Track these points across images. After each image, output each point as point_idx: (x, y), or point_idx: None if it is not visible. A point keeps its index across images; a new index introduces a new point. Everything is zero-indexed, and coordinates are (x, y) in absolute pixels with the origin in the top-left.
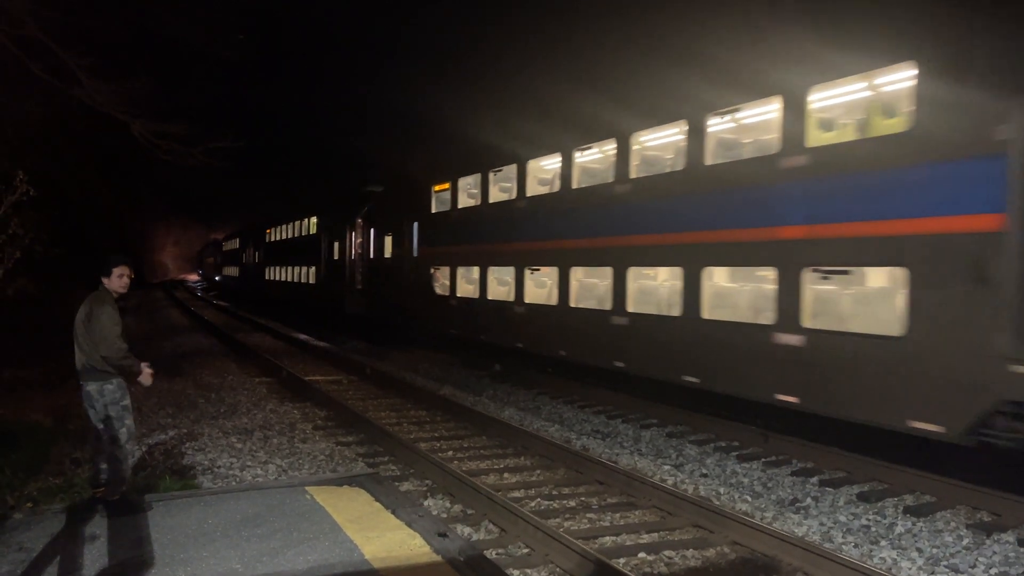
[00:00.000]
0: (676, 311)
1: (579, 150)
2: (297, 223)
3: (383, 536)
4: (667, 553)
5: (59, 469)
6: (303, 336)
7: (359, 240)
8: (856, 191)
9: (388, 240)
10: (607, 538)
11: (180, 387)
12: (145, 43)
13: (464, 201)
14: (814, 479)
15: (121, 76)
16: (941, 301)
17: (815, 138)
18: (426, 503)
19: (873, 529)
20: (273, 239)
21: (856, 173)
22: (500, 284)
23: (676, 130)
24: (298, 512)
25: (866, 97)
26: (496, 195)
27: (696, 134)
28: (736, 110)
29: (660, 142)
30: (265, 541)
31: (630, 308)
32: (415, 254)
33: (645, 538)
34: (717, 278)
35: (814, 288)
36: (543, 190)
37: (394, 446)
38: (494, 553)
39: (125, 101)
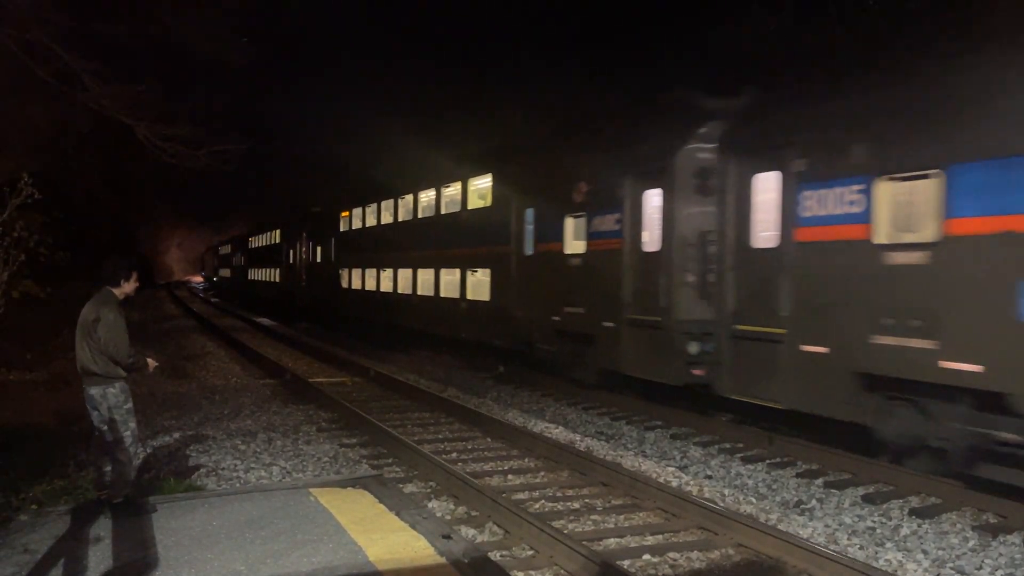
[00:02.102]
0: (431, 292)
1: (399, 198)
2: (269, 233)
3: (387, 538)
4: (672, 555)
5: (64, 471)
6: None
7: (304, 249)
8: (480, 231)
9: (319, 250)
10: (611, 540)
11: (185, 389)
12: (150, 47)
13: (355, 224)
14: (819, 481)
15: (127, 80)
16: (499, 284)
17: (471, 204)
18: (430, 505)
19: (878, 531)
20: (253, 246)
21: (480, 223)
22: (371, 279)
23: (432, 193)
24: (302, 514)
25: (483, 186)
26: (370, 221)
27: (439, 195)
28: (449, 186)
29: (428, 198)
30: (269, 543)
31: (418, 292)
32: (333, 260)
33: (649, 540)
34: (446, 275)
35: (469, 279)
36: (389, 220)
37: (398, 448)
38: (498, 555)
39: (131, 105)
